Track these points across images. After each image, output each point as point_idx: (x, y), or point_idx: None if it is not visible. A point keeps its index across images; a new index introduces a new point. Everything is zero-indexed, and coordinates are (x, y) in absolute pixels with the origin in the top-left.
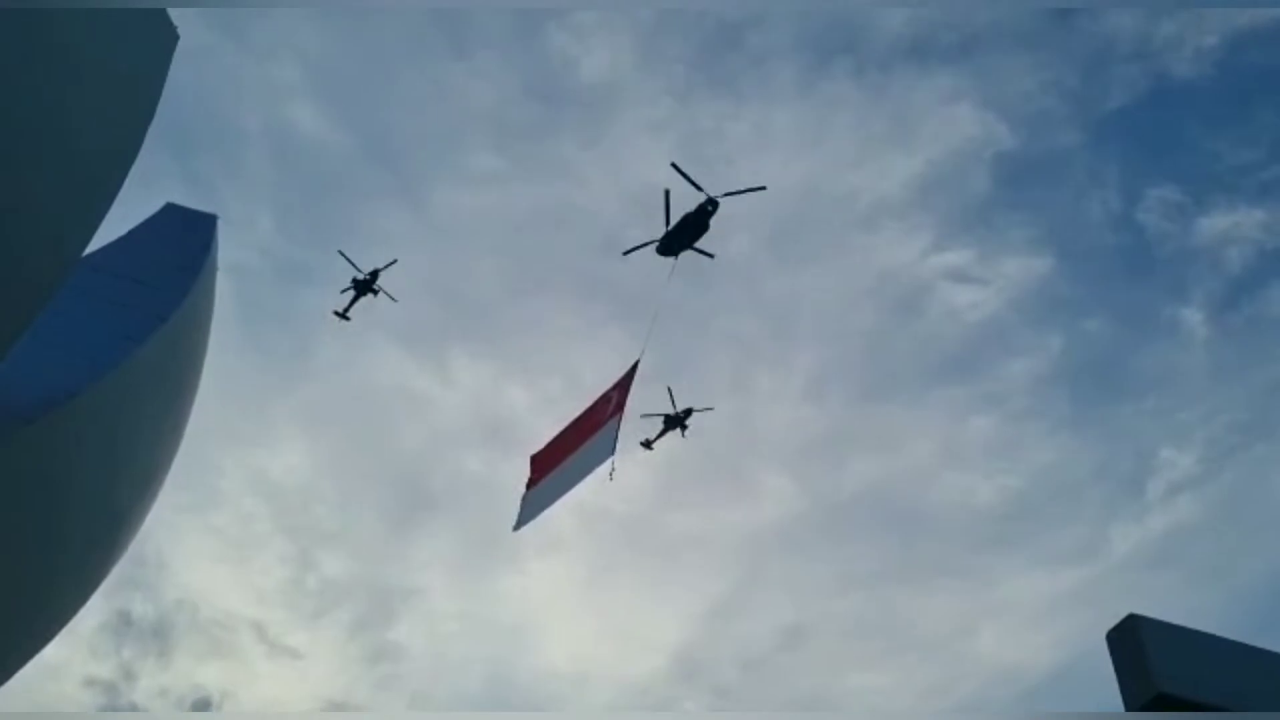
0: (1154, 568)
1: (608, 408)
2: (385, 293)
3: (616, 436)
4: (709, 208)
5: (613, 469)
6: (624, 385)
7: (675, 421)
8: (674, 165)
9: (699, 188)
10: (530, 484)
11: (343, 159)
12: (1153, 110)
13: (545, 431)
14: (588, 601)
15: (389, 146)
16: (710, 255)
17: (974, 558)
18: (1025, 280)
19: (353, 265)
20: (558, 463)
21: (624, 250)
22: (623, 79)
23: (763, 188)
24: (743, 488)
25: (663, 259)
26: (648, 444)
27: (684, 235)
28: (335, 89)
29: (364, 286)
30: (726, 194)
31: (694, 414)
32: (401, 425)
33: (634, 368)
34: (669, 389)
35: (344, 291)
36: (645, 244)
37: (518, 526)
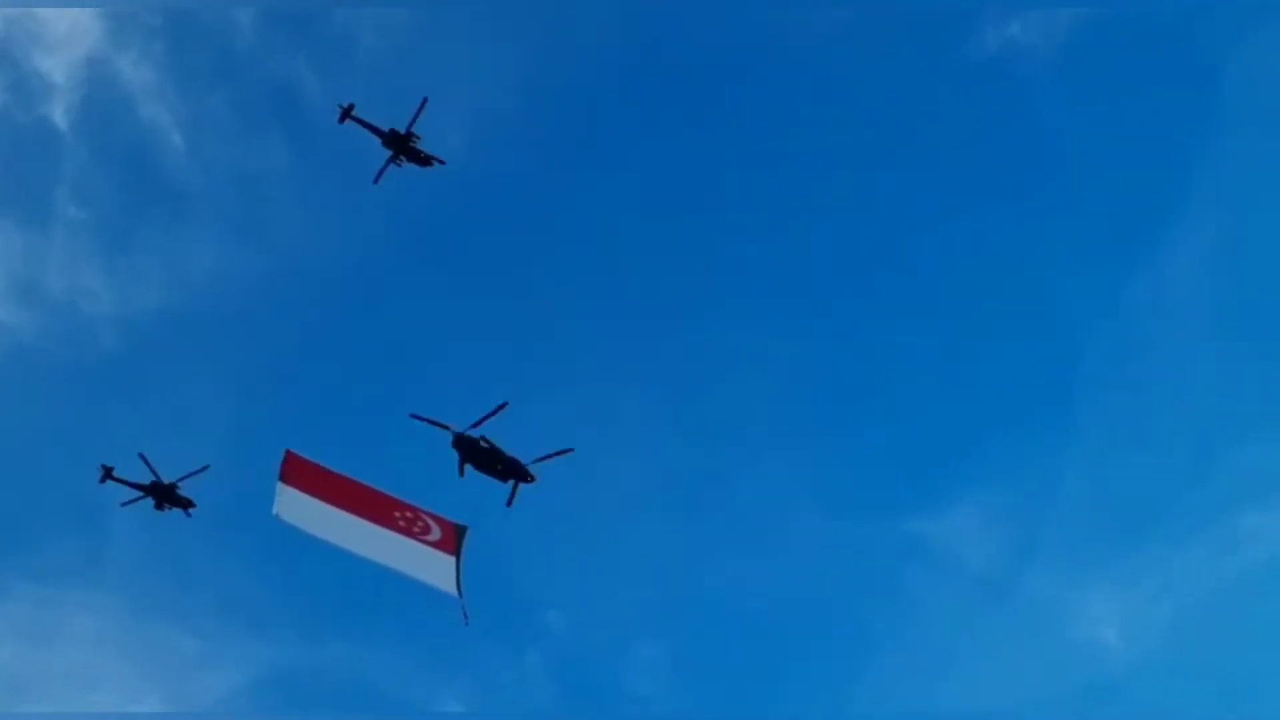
0: None
1: (420, 525)
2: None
3: (458, 579)
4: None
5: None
6: (454, 531)
7: None
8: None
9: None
10: (290, 479)
11: None
12: None
13: None
14: None
15: None
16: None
17: None
18: None
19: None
20: (344, 506)
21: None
22: None
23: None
24: None
25: None
26: None
27: (485, 460)
28: None
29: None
30: (537, 459)
31: None
32: None
33: (463, 531)
34: None
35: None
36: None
37: (279, 514)
